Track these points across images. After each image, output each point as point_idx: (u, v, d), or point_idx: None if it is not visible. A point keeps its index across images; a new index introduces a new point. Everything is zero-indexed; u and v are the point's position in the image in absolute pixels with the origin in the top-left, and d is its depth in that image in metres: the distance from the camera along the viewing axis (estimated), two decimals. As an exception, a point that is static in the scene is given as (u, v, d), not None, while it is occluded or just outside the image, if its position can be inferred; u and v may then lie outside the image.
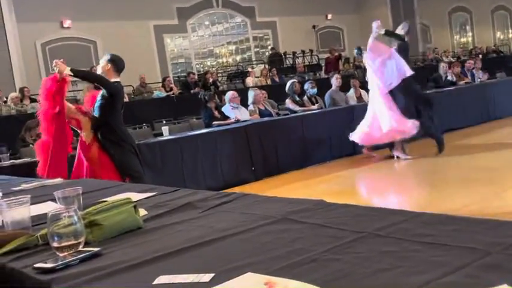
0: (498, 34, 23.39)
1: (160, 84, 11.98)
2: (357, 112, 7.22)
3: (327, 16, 17.76)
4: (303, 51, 16.22)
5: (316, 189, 5.41)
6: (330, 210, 1.26)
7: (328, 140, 7.07)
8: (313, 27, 17.56)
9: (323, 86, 8.87)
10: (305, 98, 8.08)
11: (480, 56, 15.90)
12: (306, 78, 11.77)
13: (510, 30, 23.85)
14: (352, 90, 8.42)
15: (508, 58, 16.31)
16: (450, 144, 7.19)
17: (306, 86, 8.23)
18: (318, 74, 14.09)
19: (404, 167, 6.19)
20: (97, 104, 4.15)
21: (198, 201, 1.60)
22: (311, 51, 16.50)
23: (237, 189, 5.25)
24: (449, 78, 9.54)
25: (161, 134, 6.79)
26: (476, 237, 0.97)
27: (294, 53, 16.00)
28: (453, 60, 13.20)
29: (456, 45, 22.00)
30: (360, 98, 8.25)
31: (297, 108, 7.76)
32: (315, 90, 8.16)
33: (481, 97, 9.27)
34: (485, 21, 23.03)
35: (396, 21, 18.04)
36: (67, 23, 13.22)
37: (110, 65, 4.25)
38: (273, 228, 1.19)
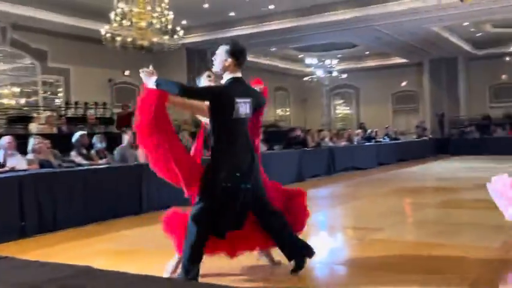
0: (278, 111, 26.23)
1: None
2: (146, 171, 7.18)
3: (124, 71, 17.69)
4: (96, 103, 15.76)
5: (95, 248, 5.12)
6: (96, 278, 1.18)
7: (114, 197, 6.83)
8: (109, 80, 17.29)
9: (114, 141, 8.67)
10: (93, 151, 7.77)
11: (263, 128, 17.52)
12: (97, 131, 11.39)
13: (288, 108, 26.97)
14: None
15: (285, 132, 18.30)
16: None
17: (94, 140, 7.94)
18: (109, 128, 13.76)
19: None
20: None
21: None
22: (104, 104, 16.13)
23: None
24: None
25: None
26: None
27: (86, 104, 15.44)
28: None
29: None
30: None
31: (83, 161, 7.39)
32: (104, 144, 7.92)
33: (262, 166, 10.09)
34: (269, 98, 25.62)
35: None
36: None
37: (230, 60, 3.64)
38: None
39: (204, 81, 3.99)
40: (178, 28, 12.74)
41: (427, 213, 6.89)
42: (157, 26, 12.02)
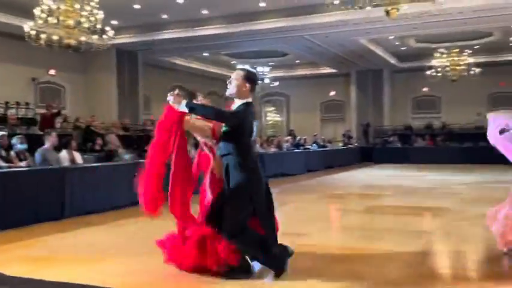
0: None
1: None
2: (69, 174, 6.90)
3: (49, 70, 16.93)
4: (18, 103, 14.98)
5: (14, 254, 4.84)
6: (3, 285, 1.10)
7: (35, 202, 6.48)
8: (33, 79, 16.49)
9: (36, 142, 8.26)
10: (12, 153, 7.36)
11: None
12: (18, 131, 10.80)
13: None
14: (65, 151, 8.04)
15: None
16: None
17: (13, 141, 7.53)
18: (32, 129, 13.10)
19: (114, 234, 6.09)
20: (224, 129, 3.85)
21: None
22: (27, 103, 15.36)
23: None
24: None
25: None
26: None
27: (6, 103, 14.63)
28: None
29: (174, 120, 23.59)
30: (73, 160, 7.94)
31: (1, 163, 6.98)
32: (25, 145, 7.53)
33: (191, 170, 10.00)
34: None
35: (122, 88, 18.49)
36: None
37: (248, 86, 3.88)
38: None
39: (200, 102, 4.16)
40: (107, 28, 12.37)
41: (352, 219, 7.10)
42: (86, 25, 11.61)
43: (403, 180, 12.40)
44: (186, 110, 3.72)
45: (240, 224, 3.78)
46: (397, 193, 9.95)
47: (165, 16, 15.73)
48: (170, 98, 3.76)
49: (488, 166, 13.99)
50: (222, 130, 3.91)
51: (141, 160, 8.94)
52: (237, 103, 3.95)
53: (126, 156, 9.40)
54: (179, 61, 21.94)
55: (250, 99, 3.94)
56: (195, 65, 22.96)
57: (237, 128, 3.81)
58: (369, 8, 10.95)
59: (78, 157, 8.36)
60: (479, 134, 20.19)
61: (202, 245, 3.90)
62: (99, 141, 10.41)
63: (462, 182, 11.74)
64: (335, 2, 10.80)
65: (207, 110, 3.82)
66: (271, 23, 15.44)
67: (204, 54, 21.54)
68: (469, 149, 18.93)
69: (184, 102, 3.70)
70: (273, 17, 15.28)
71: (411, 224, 6.53)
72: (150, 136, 12.17)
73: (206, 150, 4.08)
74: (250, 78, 3.94)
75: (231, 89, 3.96)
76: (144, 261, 4.47)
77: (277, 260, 3.88)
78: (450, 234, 5.74)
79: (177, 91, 3.78)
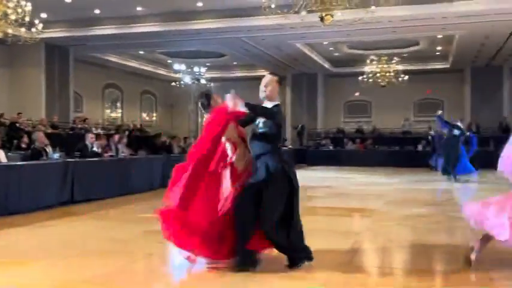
0: (144, 115, 25.67)
1: None
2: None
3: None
4: None
5: None
6: None
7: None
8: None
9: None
10: None
11: (126, 132, 16.99)
12: None
13: (154, 114, 26.52)
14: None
15: (151, 138, 17.94)
16: (90, 214, 7.27)
17: None
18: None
19: (40, 235, 5.83)
20: (261, 131, 4.08)
21: None
22: None
23: None
24: (94, 149, 9.75)
25: None
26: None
27: None
28: (101, 133, 13.67)
29: (106, 118, 22.99)
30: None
31: None
32: None
33: (122, 171, 9.77)
34: (135, 101, 25.03)
35: (51, 84, 17.73)
36: None
37: (278, 88, 4.29)
38: None
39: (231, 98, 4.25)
40: (36, 21, 11.84)
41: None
42: (13, 17, 11.04)
43: (334, 182, 12.73)
44: (246, 110, 4.05)
45: (276, 221, 4.03)
46: (328, 194, 10.21)
47: (97, 11, 15.25)
48: (230, 98, 4.08)
49: (413, 169, 14.64)
50: (258, 131, 4.16)
51: (70, 159, 8.67)
52: (267, 104, 4.25)
53: (55, 155, 9.03)
54: (113, 58, 21.37)
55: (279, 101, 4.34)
56: (129, 63, 22.46)
57: (278, 128, 4.17)
58: (304, 13, 11.16)
59: (1, 155, 7.95)
60: (406, 138, 21.33)
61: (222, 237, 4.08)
62: (25, 138, 9.94)
63: (389, 184, 12.22)
64: (272, 6, 10.91)
65: (264, 110, 4.16)
66: (208, 24, 15.38)
67: (140, 52, 21.11)
68: (396, 152, 19.76)
69: (242, 102, 4.03)
70: (210, 17, 15.23)
71: (341, 224, 6.72)
72: (80, 135, 11.69)
73: (228, 146, 4.27)
74: (280, 82, 4.41)
75: (269, 93, 4.27)
76: (69, 264, 4.32)
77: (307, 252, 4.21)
78: (377, 234, 5.96)
79: (233, 91, 4.17)
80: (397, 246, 5.24)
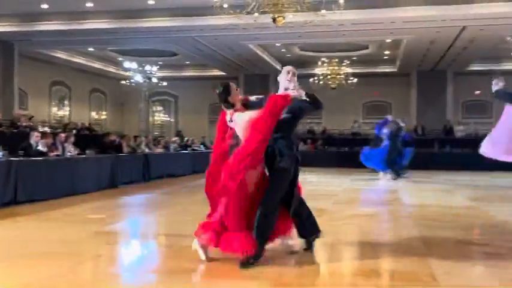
0: (93, 114, 25.04)
1: None
2: None
3: None
4: None
5: None
6: None
7: None
8: None
9: None
10: None
11: (74, 131, 16.53)
12: None
13: (104, 112, 25.93)
14: None
15: (100, 137, 17.57)
16: (34, 215, 7.03)
17: None
18: None
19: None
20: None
21: None
22: None
23: None
24: (40, 148, 9.43)
25: None
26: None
27: None
28: (48, 131, 13.21)
29: (53, 117, 22.28)
30: None
31: None
32: None
33: (69, 171, 9.50)
34: (83, 99, 24.38)
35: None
36: None
37: None
38: None
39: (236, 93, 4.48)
40: (-22, 14, 11.35)
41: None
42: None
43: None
44: (307, 99, 4.36)
45: (276, 202, 4.30)
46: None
47: (45, 6, 14.76)
48: (293, 88, 4.34)
49: (361, 170, 14.97)
50: (282, 116, 4.34)
51: (14, 159, 8.34)
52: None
53: (-3, 154, 8.68)
54: (61, 55, 20.74)
55: None
56: (78, 60, 21.86)
57: (299, 115, 4.54)
58: (256, 14, 11.22)
59: None
60: (356, 139, 21.81)
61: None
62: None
63: (338, 185, 12.46)
64: (224, 6, 10.91)
65: (317, 98, 4.48)
66: (159, 22, 15.19)
67: (89, 49, 20.59)
68: (346, 153, 20.16)
69: (303, 92, 4.33)
70: (162, 15, 15.04)
71: (292, 224, 6.78)
72: (25, 133, 11.29)
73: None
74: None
75: (294, 85, 4.47)
76: (11, 267, 4.17)
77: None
78: (327, 233, 6.05)
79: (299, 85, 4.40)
80: (345, 244, 5.36)
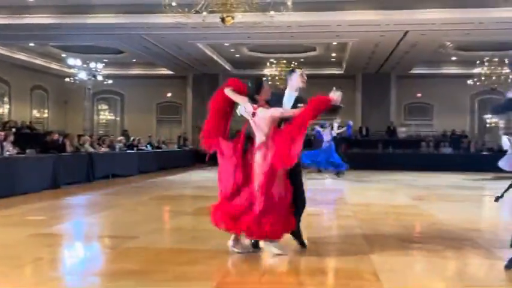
0: (35, 112, 24.12)
1: None
2: None
3: None
4: None
5: None
6: None
7: None
8: None
9: None
10: None
11: (14, 129, 15.85)
12: None
13: (46, 110, 25.03)
14: None
15: (42, 136, 16.91)
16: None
17: None
18: None
19: None
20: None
21: None
22: None
23: None
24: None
25: None
26: None
27: None
28: (-15, 129, 12.61)
29: (-8, 114, 21.29)
30: None
31: None
32: None
33: (8, 170, 9.12)
34: (24, 97, 23.42)
35: None
36: None
37: None
38: None
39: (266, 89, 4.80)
40: None
41: (183, 220, 7.13)
42: None
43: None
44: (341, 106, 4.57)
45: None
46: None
47: (-18, -2, 14.10)
48: (335, 94, 4.47)
49: (308, 170, 15.18)
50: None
51: None
52: (292, 95, 4.80)
53: None
54: (0, 50, 19.84)
55: None
56: (18, 56, 20.99)
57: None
58: (205, 13, 11.15)
59: None
60: (304, 140, 22.09)
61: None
62: None
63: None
64: (173, 4, 10.78)
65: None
66: (105, 18, 14.81)
67: (30, 44, 19.80)
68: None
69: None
70: (108, 12, 14.67)
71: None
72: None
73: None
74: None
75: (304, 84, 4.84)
76: None
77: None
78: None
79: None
80: (290, 244, 5.40)
